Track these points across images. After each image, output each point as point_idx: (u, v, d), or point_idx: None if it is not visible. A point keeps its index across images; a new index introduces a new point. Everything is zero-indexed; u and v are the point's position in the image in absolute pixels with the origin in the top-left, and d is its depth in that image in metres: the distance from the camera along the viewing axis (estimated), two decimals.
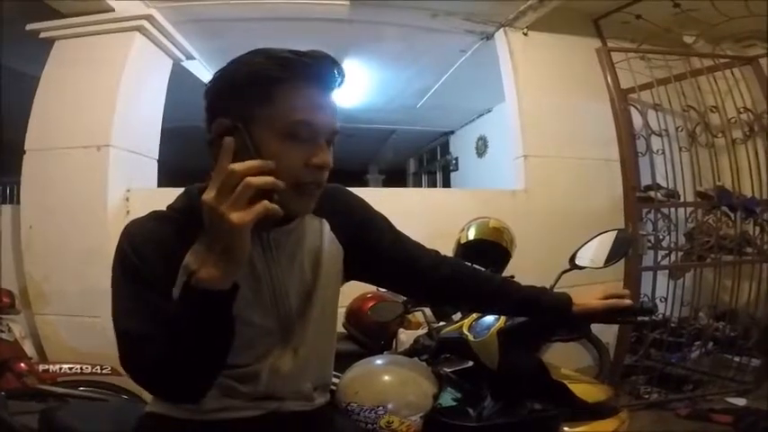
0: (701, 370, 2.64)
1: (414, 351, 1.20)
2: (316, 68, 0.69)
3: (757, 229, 2.57)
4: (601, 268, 1.09)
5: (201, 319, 0.61)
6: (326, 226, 0.83)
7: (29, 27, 2.43)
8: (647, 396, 2.47)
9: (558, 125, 2.85)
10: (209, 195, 0.59)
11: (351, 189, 0.92)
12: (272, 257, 0.76)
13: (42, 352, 2.31)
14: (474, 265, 1.00)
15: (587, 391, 1.04)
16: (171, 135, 2.85)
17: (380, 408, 0.90)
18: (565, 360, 0.99)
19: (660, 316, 2.52)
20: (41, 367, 1.97)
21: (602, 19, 2.90)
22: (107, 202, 2.29)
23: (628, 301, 0.91)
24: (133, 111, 2.47)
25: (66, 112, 2.37)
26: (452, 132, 5.99)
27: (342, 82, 0.72)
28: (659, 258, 2.55)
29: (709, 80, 2.60)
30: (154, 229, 0.71)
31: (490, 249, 1.64)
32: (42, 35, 2.44)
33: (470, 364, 1.09)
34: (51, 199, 2.32)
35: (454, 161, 5.96)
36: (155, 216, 0.74)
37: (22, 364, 1.94)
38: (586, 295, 0.93)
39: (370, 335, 1.73)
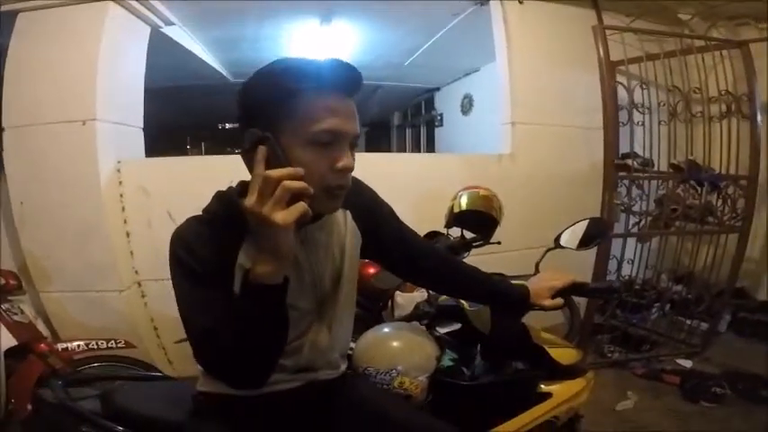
0: (657, 331, 2.87)
1: (415, 316, 1.35)
2: (332, 77, 0.73)
3: (720, 201, 2.75)
4: (575, 250, 1.28)
5: (261, 310, 0.70)
6: (349, 216, 0.94)
7: None
8: (610, 355, 2.70)
9: (545, 93, 2.92)
10: (250, 202, 0.65)
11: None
12: (311, 249, 0.86)
13: (53, 330, 2.31)
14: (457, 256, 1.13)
15: (562, 355, 1.20)
16: (152, 96, 2.78)
17: (393, 370, 1.04)
18: (541, 317, 1.15)
19: (626, 277, 2.73)
20: (60, 346, 1.96)
21: None
22: (99, 175, 2.25)
23: (567, 280, 1.09)
24: (115, 82, 2.38)
25: (43, 88, 2.26)
26: (438, 89, 5.97)
27: (360, 85, 0.76)
28: (630, 224, 2.72)
29: (696, 58, 2.66)
30: (200, 232, 0.77)
31: (480, 217, 1.80)
32: (3, 8, 2.27)
33: (459, 326, 1.24)
34: (40, 174, 2.26)
35: (439, 117, 5.98)
36: (197, 220, 0.81)
37: (43, 345, 1.94)
38: (545, 278, 1.11)
39: (370, 297, 1.85)
